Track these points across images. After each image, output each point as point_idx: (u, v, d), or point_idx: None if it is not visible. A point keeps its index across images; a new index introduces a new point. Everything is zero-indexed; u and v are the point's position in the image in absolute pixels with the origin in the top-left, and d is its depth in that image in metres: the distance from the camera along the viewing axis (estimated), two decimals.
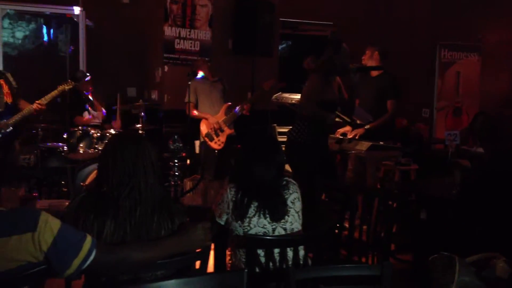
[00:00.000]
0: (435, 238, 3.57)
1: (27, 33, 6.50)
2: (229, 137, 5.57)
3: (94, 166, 4.73)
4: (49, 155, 5.11)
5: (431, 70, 7.43)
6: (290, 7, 7.21)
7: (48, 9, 6.13)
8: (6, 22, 6.05)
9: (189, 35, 6.69)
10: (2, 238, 1.64)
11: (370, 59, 5.12)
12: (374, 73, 5.19)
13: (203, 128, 5.58)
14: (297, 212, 2.65)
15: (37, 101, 4.63)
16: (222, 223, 2.62)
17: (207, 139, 5.55)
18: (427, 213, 3.71)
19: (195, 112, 5.57)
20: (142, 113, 5.19)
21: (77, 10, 6.01)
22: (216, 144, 5.55)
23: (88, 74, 5.53)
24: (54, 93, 4.77)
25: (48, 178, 3.99)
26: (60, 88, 4.81)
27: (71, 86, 4.89)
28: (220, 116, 5.57)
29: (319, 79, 4.48)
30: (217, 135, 5.55)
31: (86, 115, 5.43)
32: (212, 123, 5.54)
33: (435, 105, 7.21)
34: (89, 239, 1.81)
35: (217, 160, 5.57)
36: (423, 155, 5.65)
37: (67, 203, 2.71)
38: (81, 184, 4.65)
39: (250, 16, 6.60)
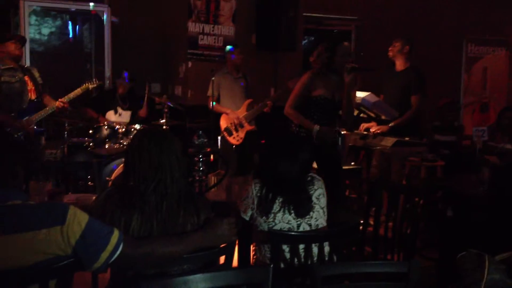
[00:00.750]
0: (462, 236, 3.51)
1: (53, 29, 6.59)
2: (248, 133, 5.58)
3: (119, 161, 4.79)
4: (75, 150, 5.17)
5: (457, 65, 7.32)
6: (314, 1, 7.16)
7: (73, 6, 6.20)
8: (32, 19, 6.13)
9: (213, 30, 6.70)
10: (31, 231, 1.67)
11: (399, 53, 5.03)
12: (400, 67, 5.11)
13: (223, 123, 5.60)
14: (322, 208, 2.64)
15: (60, 99, 4.68)
16: (247, 218, 2.62)
17: (225, 134, 5.57)
18: (454, 210, 3.65)
19: (216, 106, 5.58)
20: (169, 103, 5.17)
21: (102, 6, 6.06)
22: (235, 139, 5.56)
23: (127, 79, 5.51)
24: (77, 91, 4.82)
25: (74, 172, 4.04)
26: (84, 86, 4.86)
27: (95, 85, 4.93)
28: (241, 112, 5.58)
29: (310, 74, 4.23)
30: (237, 131, 5.56)
31: (111, 115, 5.46)
32: (232, 118, 5.55)
33: (461, 101, 7.09)
34: (116, 233, 1.83)
35: (236, 155, 5.58)
36: (457, 148, 5.56)
37: (93, 197, 2.73)
38: (107, 178, 4.71)
39: (274, 11, 6.57)
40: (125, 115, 5.49)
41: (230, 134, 5.56)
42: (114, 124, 5.04)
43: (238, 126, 5.56)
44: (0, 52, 4.58)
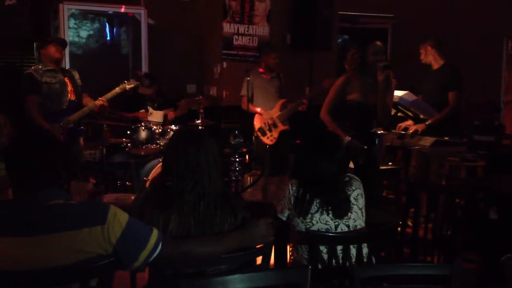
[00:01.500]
0: (506, 238, 3.42)
1: (91, 32, 6.71)
2: (282, 133, 5.57)
3: (156, 161, 4.85)
4: (114, 150, 5.26)
5: (497, 63, 7.14)
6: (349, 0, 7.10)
7: (111, 9, 6.30)
8: (71, 22, 6.26)
9: (247, 31, 6.71)
10: (73, 230, 1.70)
11: (427, 56, 4.98)
12: (435, 65, 5.03)
13: (256, 123, 5.60)
14: (360, 209, 2.60)
15: (100, 98, 4.77)
16: (284, 218, 2.61)
17: (259, 134, 5.57)
18: (498, 211, 3.56)
19: (250, 106, 5.59)
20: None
21: (139, 9, 6.14)
22: (268, 139, 5.56)
23: (152, 82, 5.58)
24: (115, 90, 4.90)
25: (113, 172, 4.11)
26: (122, 86, 4.93)
27: (133, 85, 5.00)
28: (275, 112, 5.57)
29: (344, 77, 4.10)
30: (270, 131, 5.56)
31: (142, 114, 5.52)
32: (266, 118, 5.55)
33: (502, 99, 6.91)
34: (155, 232, 1.84)
35: (270, 155, 5.58)
36: (497, 148, 5.42)
37: (132, 197, 2.77)
38: (145, 178, 4.77)
39: (309, 10, 6.53)
40: (156, 115, 5.54)
41: (264, 134, 5.56)
42: (151, 125, 5.11)
43: (272, 126, 5.55)
44: (42, 55, 4.71)
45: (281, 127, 5.56)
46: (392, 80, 4.02)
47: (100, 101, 4.75)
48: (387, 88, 3.92)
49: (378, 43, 4.01)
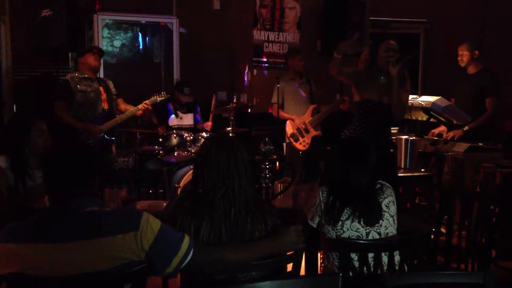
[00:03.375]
0: None
1: (125, 41, 6.83)
2: (314, 138, 5.56)
3: (188, 168, 4.90)
4: (146, 158, 5.34)
5: None
6: (380, 5, 7.04)
7: (144, 18, 6.41)
8: (105, 32, 6.40)
9: (278, 38, 6.74)
10: (108, 237, 1.73)
11: (472, 60, 4.88)
12: (472, 70, 4.95)
13: (289, 129, 5.61)
14: (392, 216, 2.58)
15: (145, 101, 4.84)
16: (314, 226, 2.60)
17: (292, 140, 5.58)
18: None
19: (281, 113, 5.60)
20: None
21: (171, 18, 6.23)
22: (301, 145, 5.56)
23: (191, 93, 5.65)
24: (147, 102, 4.95)
25: (145, 180, 4.16)
26: (153, 99, 4.98)
27: (163, 98, 5.07)
28: (307, 117, 5.58)
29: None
30: (302, 136, 5.56)
31: (173, 120, 5.59)
32: (298, 124, 5.55)
33: None
34: (187, 239, 1.87)
35: (303, 161, 5.57)
36: None
37: (165, 204, 2.81)
38: (176, 185, 4.83)
39: (339, 16, 6.51)
40: (186, 118, 5.60)
41: (297, 140, 5.57)
42: (182, 132, 5.16)
43: (304, 131, 5.55)
44: (80, 64, 4.81)
45: (313, 132, 5.56)
46: (407, 78, 3.97)
47: (144, 105, 4.83)
48: (400, 84, 3.88)
49: (392, 41, 3.99)
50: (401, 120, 4.48)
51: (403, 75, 3.88)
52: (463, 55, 4.91)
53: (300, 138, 5.56)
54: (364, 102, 4.02)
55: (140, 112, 4.86)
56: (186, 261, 1.84)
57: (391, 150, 4.05)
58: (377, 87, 3.98)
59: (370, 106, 3.99)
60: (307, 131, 5.55)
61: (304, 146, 5.56)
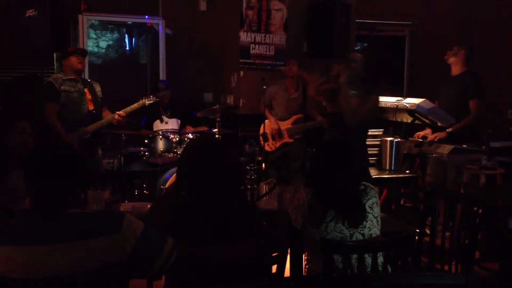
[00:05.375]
0: None
1: (110, 42, 6.79)
2: (284, 144, 5.68)
3: (173, 169, 4.88)
4: (131, 159, 5.30)
5: None
6: (366, 7, 7.08)
7: (130, 19, 6.38)
8: (91, 32, 6.35)
9: (264, 40, 6.74)
10: (89, 239, 1.72)
11: (454, 56, 4.93)
12: (456, 71, 4.99)
13: (263, 128, 5.69)
14: (376, 218, 2.59)
15: (118, 112, 4.82)
16: (299, 227, 2.60)
17: (261, 138, 5.67)
18: None
19: (266, 112, 5.71)
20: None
21: (157, 19, 6.21)
22: (268, 146, 5.70)
23: (168, 86, 5.65)
24: (134, 106, 4.94)
25: (130, 181, 4.14)
26: (141, 102, 4.97)
27: (152, 101, 5.06)
28: (286, 124, 5.65)
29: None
30: (273, 139, 5.67)
31: (158, 124, 5.57)
32: (272, 127, 5.61)
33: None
34: (170, 241, 1.86)
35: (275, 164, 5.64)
36: None
37: (149, 206, 2.79)
38: (161, 187, 4.80)
39: (326, 18, 6.53)
40: (172, 122, 5.60)
41: (266, 140, 5.71)
42: (168, 133, 5.14)
43: (277, 135, 5.63)
44: (64, 66, 4.79)
45: (286, 139, 5.64)
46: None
47: (118, 116, 4.81)
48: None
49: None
50: (386, 121, 4.60)
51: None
52: (460, 52, 4.93)
53: (270, 140, 5.70)
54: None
55: (115, 121, 4.83)
56: (169, 263, 1.83)
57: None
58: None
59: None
60: (280, 136, 5.62)
61: (270, 148, 5.71)
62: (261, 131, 5.72)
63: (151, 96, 5.08)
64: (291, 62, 5.81)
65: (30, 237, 1.72)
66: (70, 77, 4.71)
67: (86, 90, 4.79)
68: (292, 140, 5.69)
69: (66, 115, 4.65)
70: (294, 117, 5.66)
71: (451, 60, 4.97)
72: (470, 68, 4.98)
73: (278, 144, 5.67)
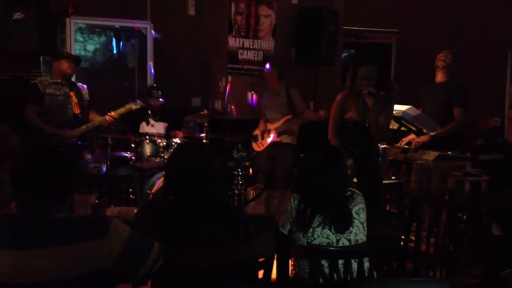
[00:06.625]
0: (509, 253, 3.40)
1: (98, 46, 6.76)
2: (274, 144, 5.69)
3: (160, 174, 4.86)
4: (118, 163, 5.28)
5: (501, 77, 7.15)
6: (354, 15, 7.15)
7: (118, 23, 6.36)
8: (78, 36, 6.32)
9: (253, 45, 6.77)
10: (75, 243, 1.71)
11: (443, 61, 4.97)
12: (440, 79, 5.03)
13: (255, 130, 5.80)
14: (362, 223, 2.61)
15: (109, 113, 4.80)
16: (286, 232, 2.61)
17: (252, 140, 5.75)
18: (502, 227, 3.55)
19: (261, 115, 5.79)
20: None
21: (145, 23, 6.20)
22: (257, 145, 5.72)
23: (161, 95, 5.63)
24: (120, 110, 4.91)
25: (117, 186, 4.12)
26: (128, 107, 4.95)
27: (138, 107, 5.03)
28: (275, 125, 5.68)
29: (341, 95, 4.29)
30: (262, 139, 5.71)
31: (144, 127, 5.55)
32: (261, 129, 5.72)
33: (506, 114, 6.91)
34: (157, 246, 1.86)
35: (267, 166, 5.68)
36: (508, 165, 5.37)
37: (135, 210, 2.79)
38: (148, 192, 4.79)
39: (314, 25, 6.59)
40: (158, 126, 5.57)
41: (256, 140, 5.75)
42: (155, 138, 5.13)
43: (266, 133, 5.64)
44: (53, 68, 4.75)
45: (275, 138, 5.67)
46: (392, 100, 4.05)
47: (110, 117, 4.78)
48: (377, 112, 3.95)
49: (370, 67, 4.06)
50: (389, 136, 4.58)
51: (378, 103, 3.96)
52: (446, 57, 4.97)
53: (259, 140, 5.75)
54: (348, 121, 4.11)
55: (106, 124, 4.81)
56: (156, 268, 1.83)
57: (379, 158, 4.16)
58: (359, 107, 4.07)
59: (352, 126, 4.08)
60: (268, 133, 5.66)
61: (258, 146, 5.76)
62: (254, 133, 5.81)
63: (138, 101, 5.06)
64: (267, 68, 5.82)
65: (16, 242, 1.71)
66: (57, 80, 4.68)
67: (72, 93, 4.76)
68: (280, 139, 5.70)
69: (50, 118, 4.61)
70: (284, 119, 5.69)
71: (441, 65, 4.99)
72: (455, 75, 5.03)
73: (266, 143, 5.69)
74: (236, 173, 3.61)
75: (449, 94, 4.90)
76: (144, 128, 5.53)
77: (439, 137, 4.76)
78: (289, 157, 5.67)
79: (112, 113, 4.82)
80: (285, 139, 5.67)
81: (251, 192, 3.77)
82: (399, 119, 4.65)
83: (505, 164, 5.47)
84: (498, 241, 3.62)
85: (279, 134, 5.67)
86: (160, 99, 5.53)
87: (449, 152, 4.66)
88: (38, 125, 4.53)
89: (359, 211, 2.60)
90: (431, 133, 4.75)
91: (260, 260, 2.11)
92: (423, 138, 4.79)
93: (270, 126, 5.69)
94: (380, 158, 4.27)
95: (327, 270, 2.44)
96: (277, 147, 5.71)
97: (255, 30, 6.78)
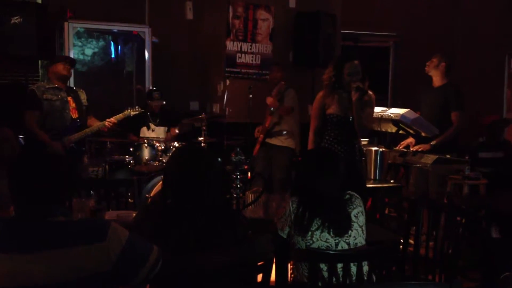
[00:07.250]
0: (508, 256, 3.40)
1: (96, 50, 6.77)
2: (269, 146, 5.79)
3: (159, 178, 4.85)
4: (116, 167, 5.27)
5: (499, 81, 7.17)
6: (351, 18, 7.16)
7: (116, 27, 6.36)
8: (76, 40, 6.32)
9: (251, 49, 6.78)
10: (73, 247, 1.71)
11: (435, 69, 4.99)
12: (437, 83, 5.05)
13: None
14: (361, 227, 2.60)
15: (108, 120, 4.81)
16: (284, 236, 2.61)
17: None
18: (500, 229, 3.55)
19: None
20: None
21: (143, 27, 6.20)
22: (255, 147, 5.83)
23: (162, 96, 5.63)
24: (119, 116, 4.93)
25: (115, 189, 4.12)
26: (126, 112, 4.97)
27: (137, 112, 5.04)
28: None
29: (321, 92, 4.19)
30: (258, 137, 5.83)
31: (145, 131, 5.56)
32: (259, 129, 5.81)
33: (504, 116, 6.93)
34: (155, 249, 1.85)
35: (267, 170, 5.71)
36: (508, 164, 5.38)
37: (134, 214, 2.78)
38: (147, 195, 4.77)
39: (311, 28, 6.60)
40: (158, 131, 5.58)
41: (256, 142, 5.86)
42: (154, 142, 5.12)
43: (262, 131, 5.79)
44: (50, 73, 4.75)
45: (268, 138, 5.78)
46: (372, 96, 4.02)
47: (109, 123, 4.79)
48: (360, 108, 3.92)
49: (355, 62, 3.99)
50: (371, 133, 4.55)
51: (361, 99, 3.91)
52: (432, 61, 5.01)
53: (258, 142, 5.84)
54: (330, 117, 4.04)
55: (105, 129, 4.81)
56: (154, 271, 1.83)
57: (363, 158, 4.12)
58: (341, 102, 4.01)
59: (335, 121, 4.01)
60: (262, 132, 5.79)
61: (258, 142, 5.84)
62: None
63: (137, 107, 5.07)
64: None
65: (14, 245, 1.70)
66: (54, 85, 4.68)
67: (69, 98, 4.76)
68: (274, 140, 5.73)
69: (49, 123, 4.61)
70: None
71: (432, 72, 5.03)
72: (451, 79, 5.05)
73: (258, 145, 5.75)
74: (234, 176, 3.60)
75: (445, 99, 4.92)
76: (145, 133, 5.53)
77: (440, 144, 4.77)
78: (285, 160, 5.68)
79: (111, 119, 4.82)
80: (282, 142, 5.68)
81: (250, 195, 3.76)
82: (397, 122, 4.66)
83: (505, 162, 5.49)
84: (497, 244, 3.62)
85: (272, 134, 5.71)
86: (161, 100, 5.54)
87: (448, 156, 4.67)
88: (36, 133, 4.53)
89: (358, 214, 2.60)
90: (432, 143, 4.75)
91: (259, 263, 2.11)
92: (424, 147, 4.79)
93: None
94: (363, 158, 4.25)
95: (326, 274, 2.43)
96: (274, 150, 5.72)
97: (253, 34, 6.79)
